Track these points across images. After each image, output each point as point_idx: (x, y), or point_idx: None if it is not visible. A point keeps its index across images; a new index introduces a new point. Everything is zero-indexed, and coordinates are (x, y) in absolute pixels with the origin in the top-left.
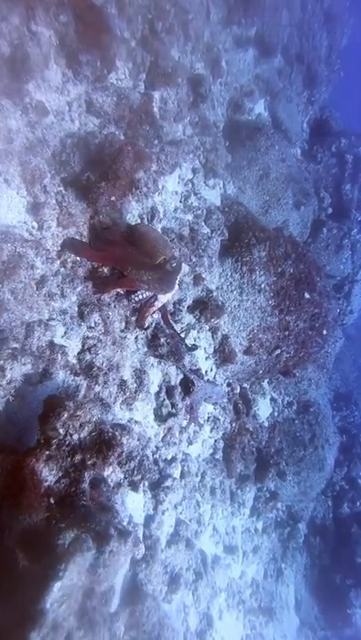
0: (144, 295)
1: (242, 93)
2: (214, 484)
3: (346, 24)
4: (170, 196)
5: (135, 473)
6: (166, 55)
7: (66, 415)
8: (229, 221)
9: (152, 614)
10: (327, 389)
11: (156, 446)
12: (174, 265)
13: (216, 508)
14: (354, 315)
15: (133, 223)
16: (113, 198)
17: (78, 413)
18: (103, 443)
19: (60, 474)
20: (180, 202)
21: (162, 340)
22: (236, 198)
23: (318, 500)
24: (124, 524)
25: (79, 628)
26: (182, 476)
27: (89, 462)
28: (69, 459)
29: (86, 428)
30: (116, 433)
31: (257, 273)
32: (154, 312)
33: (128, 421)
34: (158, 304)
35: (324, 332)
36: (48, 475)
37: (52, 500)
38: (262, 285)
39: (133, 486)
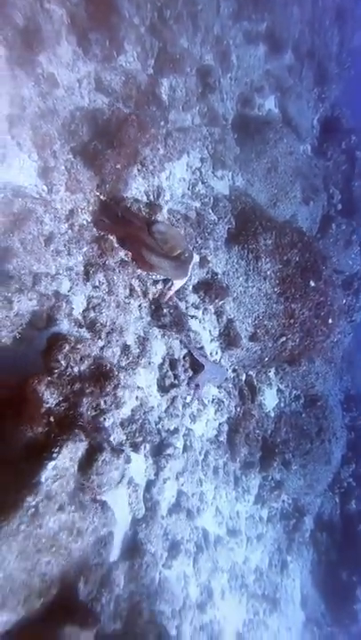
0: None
1: (252, 88)
2: (217, 464)
3: (357, 21)
4: (177, 182)
5: (137, 435)
6: (175, 42)
7: (67, 348)
8: (236, 210)
9: (151, 569)
10: (338, 390)
11: (158, 416)
12: (187, 255)
13: (219, 489)
14: None
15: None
16: (118, 166)
17: (79, 347)
18: (101, 374)
19: (60, 398)
20: (188, 189)
21: (165, 310)
22: (244, 190)
23: (326, 497)
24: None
25: (70, 504)
26: (185, 449)
27: (87, 390)
28: (69, 387)
29: (86, 361)
30: (114, 367)
31: (263, 260)
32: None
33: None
34: (175, 287)
35: (330, 320)
36: (49, 397)
37: (51, 419)
38: (268, 272)
39: (135, 447)
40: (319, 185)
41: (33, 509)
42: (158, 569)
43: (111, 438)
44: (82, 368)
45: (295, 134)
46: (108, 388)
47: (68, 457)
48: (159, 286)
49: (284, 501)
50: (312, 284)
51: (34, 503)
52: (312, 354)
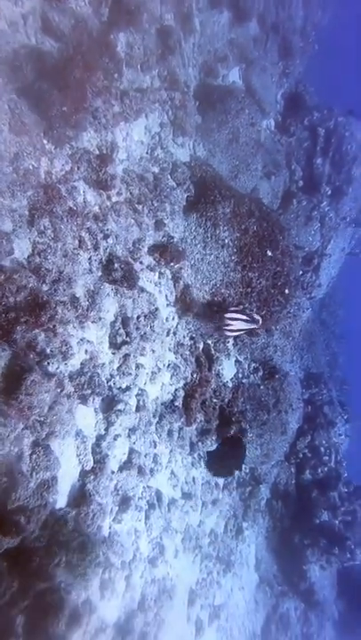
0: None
1: (215, 58)
2: (172, 427)
3: None
4: (135, 145)
5: (85, 387)
6: None
7: (2, 277)
8: (195, 177)
9: (97, 518)
10: (298, 369)
11: (110, 374)
12: None
13: (175, 454)
14: (322, 288)
15: (92, 151)
16: (65, 109)
17: (15, 277)
18: (37, 305)
19: None
20: (147, 153)
21: (116, 265)
22: (205, 160)
23: (282, 467)
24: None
25: None
26: (138, 409)
27: (22, 320)
28: (4, 315)
29: (22, 292)
30: (51, 300)
31: (221, 228)
32: None
33: (80, 340)
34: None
35: (287, 290)
36: None
37: None
38: (226, 241)
39: (83, 400)
40: (281, 161)
41: None
42: (108, 522)
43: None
44: (18, 299)
45: (258, 107)
46: (43, 317)
47: None
48: (110, 241)
49: (240, 470)
50: (269, 253)
51: None
52: (269, 324)
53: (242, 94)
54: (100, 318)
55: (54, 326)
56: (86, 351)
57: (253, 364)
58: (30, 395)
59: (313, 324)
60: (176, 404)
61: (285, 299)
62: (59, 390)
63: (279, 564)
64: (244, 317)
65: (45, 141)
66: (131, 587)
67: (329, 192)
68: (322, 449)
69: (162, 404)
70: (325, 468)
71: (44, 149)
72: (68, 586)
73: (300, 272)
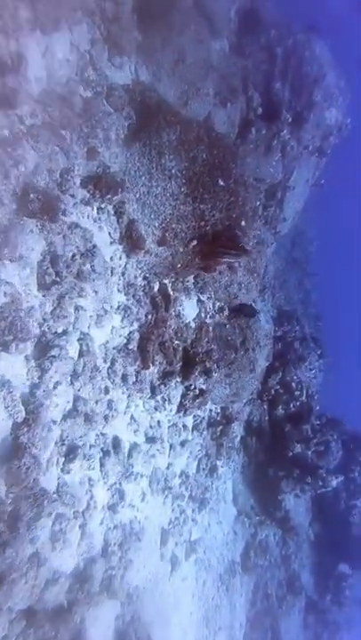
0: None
1: None
2: (127, 371)
3: None
4: (59, 63)
5: (6, 333)
6: None
7: None
8: (136, 102)
9: (31, 471)
10: (271, 307)
11: (43, 318)
12: None
13: (134, 398)
14: (287, 222)
15: None
16: None
17: None
18: None
19: None
20: (76, 75)
21: (32, 195)
22: (150, 86)
23: (254, 405)
24: None
25: None
26: (81, 354)
27: None
28: None
29: None
30: None
31: (167, 157)
32: None
33: None
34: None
35: (243, 223)
36: None
37: None
38: (173, 171)
39: (4, 346)
40: (237, 85)
41: None
42: (56, 473)
43: None
44: None
45: (208, 23)
46: None
47: None
48: (22, 168)
49: (211, 410)
50: (221, 182)
51: None
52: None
53: (188, 6)
54: (20, 257)
55: None
56: (5, 294)
57: (218, 303)
58: None
59: (284, 263)
60: (130, 347)
61: (242, 231)
62: None
63: (256, 496)
64: (233, 252)
65: None
66: (87, 535)
67: (290, 119)
68: (293, 384)
69: (113, 348)
70: (297, 403)
71: None
72: None
73: (259, 204)
